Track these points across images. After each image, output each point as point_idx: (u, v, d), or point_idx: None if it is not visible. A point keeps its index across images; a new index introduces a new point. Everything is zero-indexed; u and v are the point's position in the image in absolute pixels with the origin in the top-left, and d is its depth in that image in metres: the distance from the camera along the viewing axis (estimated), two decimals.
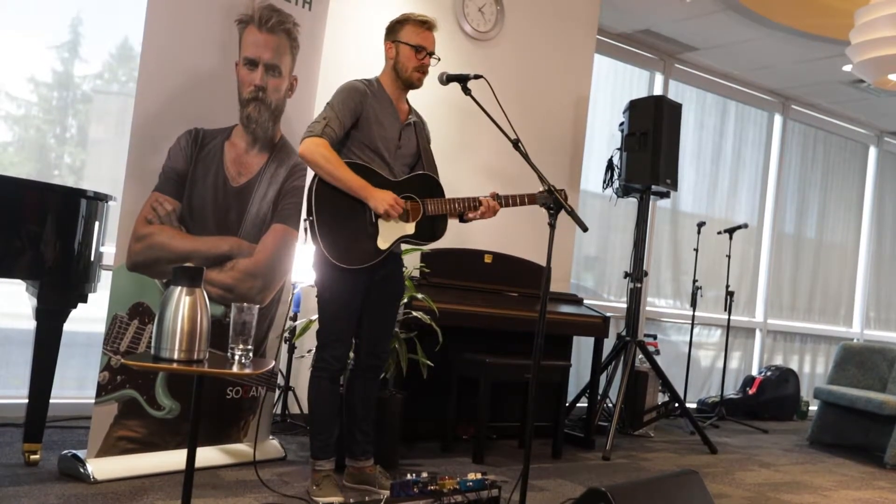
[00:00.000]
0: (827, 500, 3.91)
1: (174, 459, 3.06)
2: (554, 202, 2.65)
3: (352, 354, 3.15)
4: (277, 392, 3.92)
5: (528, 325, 4.19)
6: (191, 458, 2.18)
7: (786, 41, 6.03)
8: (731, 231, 6.12)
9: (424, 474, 2.81)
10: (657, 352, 5.47)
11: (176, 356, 2.07)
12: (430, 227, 3.02)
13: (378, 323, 3.11)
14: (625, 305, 5.20)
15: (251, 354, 2.21)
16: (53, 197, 2.91)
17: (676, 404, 5.09)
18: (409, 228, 2.98)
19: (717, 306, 6.68)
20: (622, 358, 4.97)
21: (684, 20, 5.83)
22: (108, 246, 3.23)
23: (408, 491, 2.72)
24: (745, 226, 6.22)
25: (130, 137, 3.01)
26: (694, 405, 6.55)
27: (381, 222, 2.92)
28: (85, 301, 3.03)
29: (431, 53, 3.01)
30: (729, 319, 6.22)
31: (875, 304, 8.53)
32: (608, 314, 4.76)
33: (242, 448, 3.41)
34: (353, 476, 3.15)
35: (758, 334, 7.49)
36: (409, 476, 2.77)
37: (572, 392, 5.07)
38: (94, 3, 3.95)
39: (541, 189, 2.96)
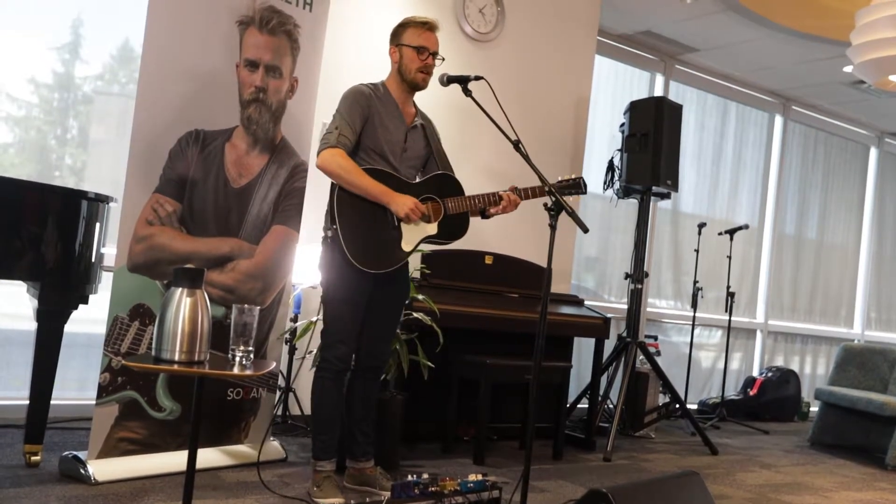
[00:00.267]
0: (828, 501, 3.91)
1: (175, 461, 3.06)
2: (554, 203, 2.66)
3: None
4: (278, 393, 3.91)
5: (528, 326, 4.19)
6: (192, 459, 2.18)
7: (786, 42, 6.03)
8: (731, 232, 6.12)
9: (425, 475, 2.81)
10: (658, 353, 5.46)
11: (177, 357, 2.07)
12: (452, 226, 3.04)
13: (381, 324, 3.11)
14: (625, 306, 5.20)
15: (252, 356, 2.21)
16: (54, 198, 2.91)
17: (677, 405, 5.09)
18: (432, 229, 2.99)
19: (718, 307, 6.68)
20: (623, 359, 4.97)
21: (685, 21, 5.83)
22: (109, 247, 3.24)
23: (408, 492, 2.72)
24: (746, 227, 6.22)
25: (131, 139, 3.01)
26: (695, 406, 6.54)
27: (403, 225, 2.95)
28: (86, 302, 3.03)
29: (434, 53, 3.01)
30: (730, 320, 6.22)
31: (876, 304, 8.53)
32: (609, 315, 4.76)
33: (243, 449, 3.41)
34: (354, 477, 3.15)
35: (758, 335, 7.49)
36: (409, 477, 2.77)
37: (573, 393, 5.06)
38: (94, 5, 3.96)
39: (560, 178, 3.02)
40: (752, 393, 6.70)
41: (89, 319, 3.41)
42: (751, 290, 7.38)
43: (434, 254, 3.98)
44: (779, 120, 7.51)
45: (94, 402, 2.98)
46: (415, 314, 3.66)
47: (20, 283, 3.02)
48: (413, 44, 3.00)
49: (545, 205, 2.72)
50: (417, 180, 3.04)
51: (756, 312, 7.45)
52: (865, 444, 5.27)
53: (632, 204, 5.51)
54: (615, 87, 6.32)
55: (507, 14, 5.01)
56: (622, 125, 5.19)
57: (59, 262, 2.89)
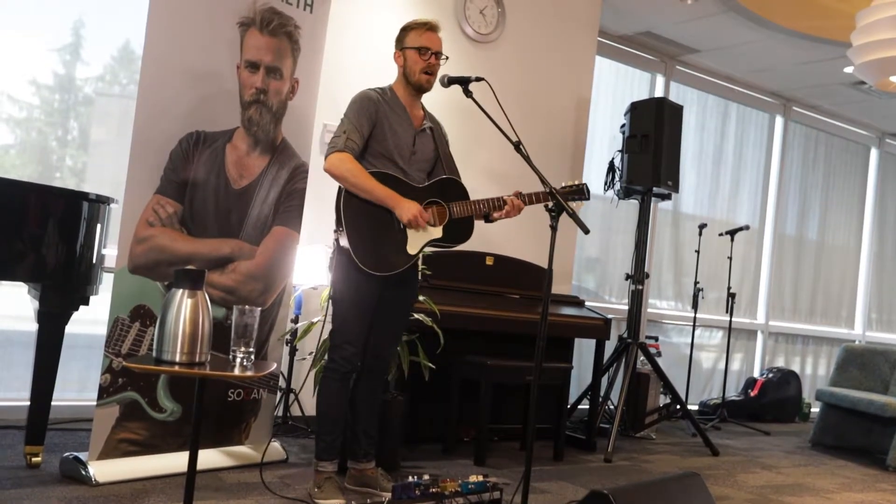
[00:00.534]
0: (829, 502, 3.90)
1: (176, 462, 3.05)
2: (555, 205, 2.67)
3: None
4: (279, 394, 3.91)
5: (529, 327, 4.18)
6: (192, 460, 2.18)
7: (787, 43, 6.03)
8: (732, 233, 6.12)
9: (426, 476, 2.81)
10: (658, 354, 5.46)
11: (177, 359, 2.07)
12: (457, 230, 3.05)
13: (387, 326, 3.11)
14: (626, 307, 5.20)
15: (253, 357, 2.21)
16: (55, 199, 2.91)
17: (678, 406, 5.08)
18: (437, 232, 3.01)
19: (719, 308, 6.68)
20: (624, 360, 4.96)
21: (685, 22, 5.83)
22: (110, 248, 3.24)
23: (409, 493, 2.72)
24: (747, 227, 6.22)
25: (132, 140, 3.01)
26: (695, 407, 6.54)
27: (409, 228, 2.95)
28: (86, 303, 3.03)
29: (437, 53, 3.02)
30: (730, 321, 6.22)
31: (877, 305, 8.52)
32: (609, 316, 4.76)
33: (244, 450, 3.41)
34: (355, 478, 3.15)
35: (759, 336, 7.48)
36: (410, 478, 2.77)
37: (574, 394, 5.06)
38: (95, 6, 3.96)
39: (563, 184, 3.03)
40: (752, 394, 6.69)
41: (90, 320, 3.41)
42: (751, 291, 7.37)
43: (435, 255, 3.98)
44: (779, 121, 7.50)
45: (94, 403, 2.98)
46: (415, 315, 3.66)
47: (21, 284, 3.02)
48: (415, 45, 3.01)
49: (546, 206, 2.73)
50: (424, 184, 3.05)
51: (757, 313, 7.45)
52: (866, 445, 5.27)
53: (632, 205, 5.51)
54: (616, 87, 6.32)
55: (507, 15, 5.01)
56: (623, 126, 5.18)
57: (60, 263, 2.89)
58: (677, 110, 5.17)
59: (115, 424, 3.01)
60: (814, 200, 7.86)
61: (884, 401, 5.05)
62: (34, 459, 2.97)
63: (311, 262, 3.92)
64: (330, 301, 3.06)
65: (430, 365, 3.69)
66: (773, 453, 5.16)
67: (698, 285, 5.91)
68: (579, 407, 5.24)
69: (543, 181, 2.74)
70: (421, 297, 3.73)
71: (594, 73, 5.53)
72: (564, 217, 2.67)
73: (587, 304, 4.95)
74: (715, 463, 4.61)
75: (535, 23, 5.17)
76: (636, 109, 5.10)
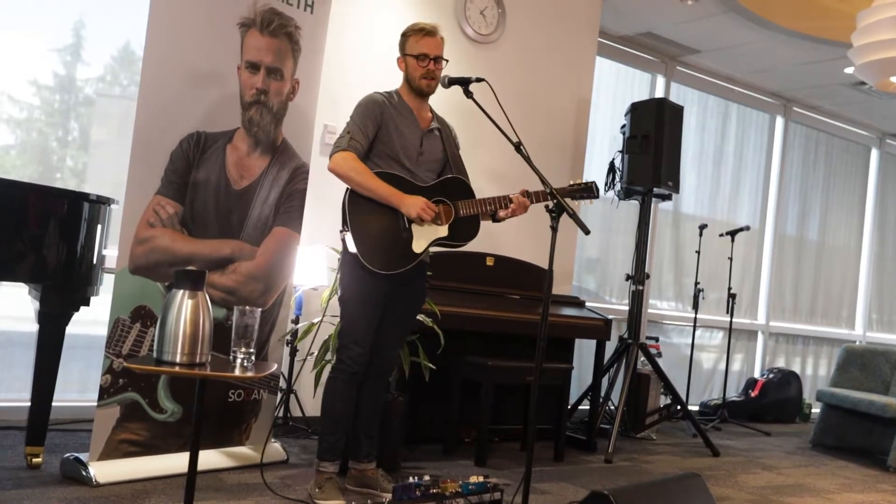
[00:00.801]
0: (830, 502, 3.90)
1: (176, 462, 3.05)
2: (556, 205, 2.67)
3: None
4: (279, 395, 3.91)
5: (530, 327, 4.18)
6: (193, 461, 2.18)
7: (787, 44, 6.03)
8: (732, 233, 6.11)
9: (426, 477, 2.81)
10: (659, 354, 5.46)
11: (178, 359, 2.07)
12: (463, 229, 3.06)
13: (392, 327, 3.11)
14: (627, 308, 5.19)
15: (253, 357, 2.21)
16: (56, 200, 2.91)
17: (678, 407, 5.08)
18: (443, 231, 3.02)
19: (719, 308, 6.67)
20: (624, 360, 4.96)
21: (686, 23, 5.83)
22: (111, 249, 3.24)
23: (410, 494, 2.72)
24: (747, 228, 6.22)
25: (132, 140, 3.02)
26: (696, 408, 6.54)
27: (414, 227, 2.97)
28: (87, 304, 3.03)
29: (437, 58, 3.02)
30: (731, 322, 6.22)
31: (877, 306, 8.52)
32: (610, 317, 4.76)
33: (245, 451, 3.41)
34: (356, 478, 3.15)
35: (760, 336, 7.48)
36: (411, 479, 2.77)
37: (574, 395, 5.06)
38: (96, 7, 3.96)
39: (572, 182, 3.04)
40: (753, 394, 6.69)
41: (91, 321, 3.41)
42: (752, 292, 7.37)
43: (435, 255, 3.98)
44: (780, 121, 7.50)
45: (95, 403, 2.98)
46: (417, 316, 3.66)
47: (22, 284, 3.02)
48: (413, 52, 3.03)
49: (546, 206, 2.73)
50: (429, 183, 3.06)
51: (757, 314, 7.45)
52: (867, 446, 5.27)
53: (633, 205, 5.51)
54: (616, 88, 6.32)
55: (507, 15, 5.01)
56: (623, 126, 5.18)
57: (61, 264, 2.89)
58: (678, 111, 5.17)
59: (116, 425, 3.01)
60: (814, 201, 7.86)
61: (884, 401, 5.05)
62: (35, 460, 2.97)
63: (312, 263, 3.92)
64: (339, 301, 3.07)
65: (431, 365, 3.69)
66: (773, 454, 5.15)
67: (699, 286, 5.90)
68: (580, 407, 5.23)
69: (544, 182, 2.74)
70: None
71: (594, 74, 5.53)
72: (565, 217, 2.67)
73: (587, 304, 4.95)
74: (715, 463, 4.61)
75: (536, 23, 5.17)
76: (636, 110, 5.10)
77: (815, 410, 6.30)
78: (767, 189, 7.43)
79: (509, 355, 4.14)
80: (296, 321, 3.99)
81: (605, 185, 5.20)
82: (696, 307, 5.91)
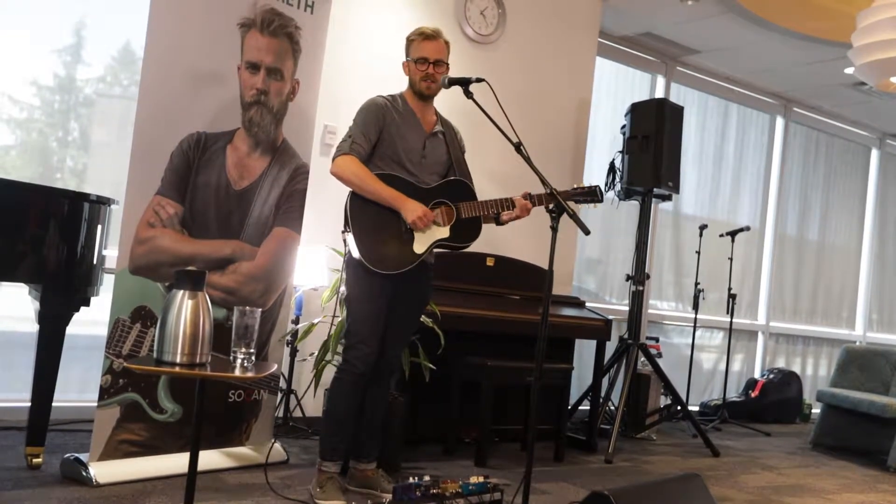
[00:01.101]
0: (830, 503, 3.90)
1: (176, 463, 3.05)
2: (556, 206, 2.67)
3: None
4: (279, 395, 3.92)
5: (530, 328, 4.18)
6: (193, 461, 2.18)
7: (787, 44, 6.03)
8: (733, 234, 6.11)
9: (427, 477, 2.81)
10: (659, 354, 5.46)
11: (178, 360, 2.07)
12: (465, 231, 3.06)
13: (396, 327, 3.11)
14: (627, 308, 5.19)
15: (253, 358, 2.21)
16: (56, 200, 2.91)
17: (679, 407, 5.08)
18: (444, 232, 3.02)
19: (720, 309, 6.67)
20: (624, 361, 4.96)
21: (686, 23, 5.83)
22: (111, 249, 3.24)
23: (410, 494, 2.72)
24: (748, 228, 6.22)
25: (133, 141, 3.02)
26: (696, 408, 6.54)
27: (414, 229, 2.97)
28: (87, 304, 3.03)
29: (436, 62, 3.03)
30: (731, 322, 6.22)
31: (878, 306, 8.52)
32: (610, 317, 4.76)
33: (245, 451, 3.41)
34: (356, 479, 3.15)
35: (760, 337, 7.48)
36: (411, 479, 2.77)
37: (574, 395, 5.06)
38: (96, 7, 3.96)
39: (576, 186, 3.05)
40: (753, 395, 6.69)
41: (91, 322, 3.41)
42: (752, 292, 7.37)
43: (436, 256, 3.99)
44: (780, 122, 7.50)
45: (95, 404, 2.99)
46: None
47: (22, 285, 3.02)
48: (414, 56, 3.05)
49: (547, 207, 2.73)
50: (431, 185, 3.06)
51: (757, 314, 7.44)
52: (867, 446, 5.27)
53: (633, 206, 5.51)
54: (616, 88, 6.32)
55: (508, 16, 5.01)
56: (623, 127, 5.18)
57: (61, 264, 2.89)
58: (678, 111, 5.17)
59: (116, 425, 3.01)
60: (814, 201, 7.85)
61: (884, 402, 5.05)
62: (35, 460, 2.97)
63: (312, 263, 3.92)
64: (344, 302, 3.07)
65: (431, 366, 3.69)
66: (773, 454, 5.15)
67: (699, 286, 5.90)
68: (580, 408, 5.23)
69: (544, 182, 2.74)
70: None
71: (595, 74, 5.53)
72: (565, 218, 2.67)
73: (588, 305, 4.95)
74: (716, 464, 4.61)
75: (536, 23, 5.17)
76: (637, 110, 5.10)
77: (816, 411, 6.30)
78: (767, 189, 7.42)
79: (509, 355, 4.13)
80: (296, 321, 3.99)
81: (606, 185, 5.20)
82: (696, 307, 5.91)
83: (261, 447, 3.43)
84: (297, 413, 4.18)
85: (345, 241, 2.99)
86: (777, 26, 5.69)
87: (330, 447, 3.03)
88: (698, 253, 5.94)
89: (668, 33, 6.08)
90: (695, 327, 6.04)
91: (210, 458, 3.22)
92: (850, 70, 5.68)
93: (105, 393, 2.98)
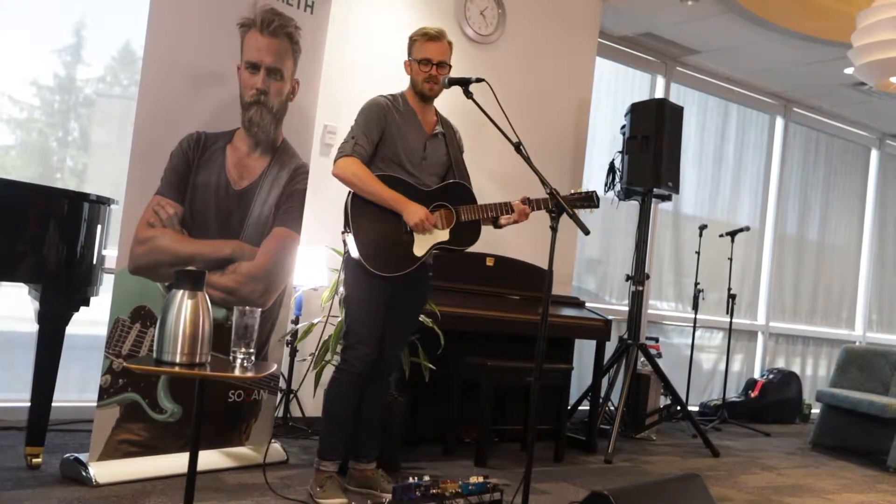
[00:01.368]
0: (829, 503, 3.90)
1: (176, 463, 3.05)
2: (556, 206, 2.67)
3: None
4: (279, 395, 3.92)
5: (530, 328, 4.18)
6: (193, 461, 2.18)
7: (787, 44, 6.03)
8: (732, 234, 6.12)
9: (427, 477, 2.81)
10: (659, 355, 5.46)
11: (178, 360, 2.07)
12: (464, 233, 3.07)
13: (395, 328, 3.12)
14: (627, 308, 5.19)
15: (253, 358, 2.21)
16: (56, 200, 2.91)
17: (678, 407, 5.08)
18: (444, 235, 3.03)
19: (719, 309, 6.67)
20: (624, 361, 4.96)
21: (686, 23, 5.83)
22: (111, 249, 3.24)
23: (410, 494, 2.72)
24: (747, 228, 6.22)
25: (132, 141, 3.02)
26: (696, 408, 6.54)
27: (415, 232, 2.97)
28: (87, 304, 3.03)
29: (440, 63, 3.03)
30: (731, 322, 6.22)
31: (877, 306, 8.52)
32: (610, 317, 4.76)
33: (245, 451, 3.41)
34: (356, 479, 3.15)
35: (760, 337, 7.48)
36: (411, 479, 2.77)
37: (574, 395, 5.06)
38: (96, 7, 3.96)
39: (573, 192, 3.06)
40: (753, 395, 6.69)
41: (90, 321, 3.41)
42: (752, 292, 7.37)
43: (435, 256, 3.99)
44: (780, 122, 7.50)
45: (95, 404, 2.99)
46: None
47: (22, 284, 3.02)
48: (417, 57, 3.04)
49: (548, 209, 2.73)
50: (432, 188, 3.06)
51: (757, 314, 7.45)
52: (867, 446, 5.27)
53: (633, 206, 5.51)
54: (616, 88, 6.32)
55: (507, 16, 5.01)
56: (623, 127, 5.18)
57: (61, 264, 2.89)
58: (678, 111, 5.17)
59: (116, 425, 3.01)
60: (814, 201, 7.85)
61: (884, 402, 5.05)
62: (35, 460, 2.97)
63: (312, 263, 3.92)
64: (343, 302, 3.07)
65: (431, 366, 3.69)
66: (773, 454, 5.15)
67: (699, 286, 5.90)
68: (580, 408, 5.23)
69: (544, 182, 2.74)
70: None
71: (594, 74, 5.53)
72: (565, 218, 2.67)
73: (587, 305, 4.95)
74: (715, 464, 4.61)
75: (536, 24, 5.17)
76: (636, 110, 5.11)
77: (815, 411, 6.30)
78: (767, 189, 7.42)
79: (509, 355, 4.13)
80: (296, 321, 3.99)
81: (605, 185, 5.20)
82: (695, 308, 5.91)
83: (260, 447, 3.42)
84: (297, 413, 4.18)
85: (344, 241, 2.99)
86: (777, 26, 5.69)
87: (328, 447, 3.03)
88: (698, 253, 5.94)
89: (668, 33, 6.08)
90: (694, 327, 6.04)
91: (210, 458, 3.22)
92: (849, 70, 5.68)
93: (105, 393, 2.98)
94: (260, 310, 2.23)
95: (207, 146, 3.22)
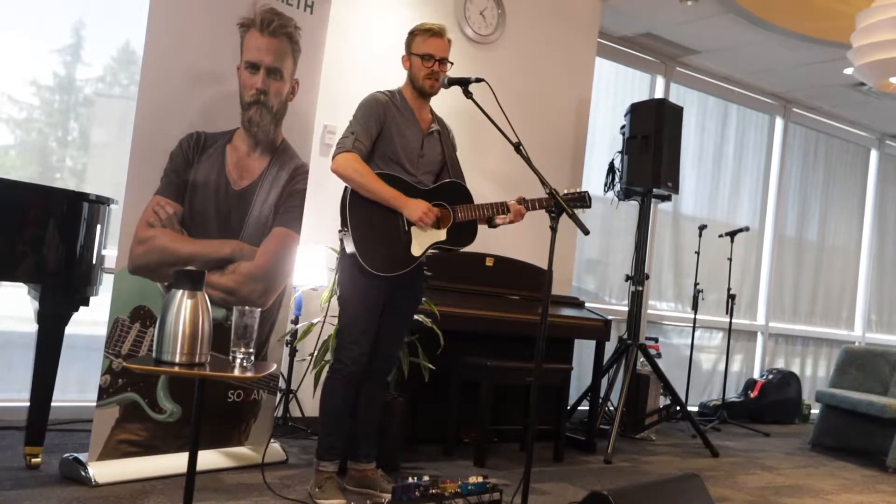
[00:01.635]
0: (829, 503, 3.90)
1: (175, 463, 3.05)
2: (555, 206, 2.67)
3: None
4: (278, 395, 3.92)
5: (529, 328, 4.19)
6: (192, 461, 2.18)
7: (787, 44, 6.03)
8: (732, 234, 6.12)
9: (426, 478, 2.81)
10: (658, 355, 5.46)
11: (177, 359, 2.07)
12: (461, 233, 3.06)
13: (391, 328, 3.12)
14: (626, 308, 5.19)
15: (252, 358, 2.21)
16: (55, 200, 2.91)
17: (678, 407, 5.08)
18: (441, 235, 3.03)
19: (719, 309, 6.67)
20: (623, 361, 4.97)
21: (685, 23, 5.84)
22: (110, 249, 3.24)
23: (409, 494, 2.72)
24: (747, 229, 6.22)
25: (132, 141, 3.02)
26: (695, 408, 6.54)
27: (413, 230, 2.97)
28: (87, 304, 3.03)
29: (442, 59, 3.02)
30: (730, 322, 6.22)
31: (877, 306, 8.52)
32: (609, 317, 4.76)
33: (244, 451, 3.41)
34: (355, 479, 3.15)
35: (759, 337, 7.48)
36: (410, 479, 2.77)
37: (574, 395, 5.06)
38: (96, 7, 3.96)
39: (566, 191, 3.06)
40: (752, 395, 6.69)
41: (90, 321, 3.41)
42: (751, 292, 7.37)
43: (435, 256, 3.99)
44: (779, 122, 7.50)
45: (94, 403, 2.99)
46: (415, 316, 3.66)
47: (21, 284, 3.02)
48: (419, 52, 3.02)
49: (547, 209, 2.73)
50: (428, 187, 3.06)
51: (757, 314, 7.45)
52: (866, 447, 5.27)
53: (632, 206, 5.51)
54: (616, 89, 6.32)
55: (507, 16, 5.01)
56: (623, 127, 5.19)
57: (60, 264, 2.89)
58: (677, 111, 5.17)
59: (115, 425, 3.01)
60: (814, 202, 7.86)
61: (884, 402, 5.05)
62: (34, 460, 2.97)
63: (312, 263, 3.92)
64: (337, 301, 3.07)
65: (430, 366, 3.69)
66: (772, 454, 5.16)
67: (698, 286, 5.91)
68: (579, 408, 5.24)
69: (543, 182, 2.74)
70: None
71: (594, 75, 5.53)
72: (564, 218, 2.67)
73: (587, 305, 4.95)
74: (715, 464, 4.61)
75: (536, 24, 5.17)
76: (636, 111, 5.11)
77: (815, 411, 6.30)
78: (767, 190, 7.43)
79: (509, 355, 4.14)
80: (295, 321, 3.99)
81: (605, 185, 5.20)
82: (695, 308, 5.91)
83: (260, 447, 3.42)
84: (297, 413, 4.18)
85: (341, 240, 2.99)
86: (777, 26, 5.69)
87: (327, 447, 3.03)
88: (697, 253, 5.94)
89: (667, 33, 6.08)
90: (694, 328, 6.04)
91: (209, 458, 3.22)
92: (849, 70, 5.68)
93: (104, 393, 2.98)
94: (259, 310, 2.23)
95: (207, 146, 3.22)
